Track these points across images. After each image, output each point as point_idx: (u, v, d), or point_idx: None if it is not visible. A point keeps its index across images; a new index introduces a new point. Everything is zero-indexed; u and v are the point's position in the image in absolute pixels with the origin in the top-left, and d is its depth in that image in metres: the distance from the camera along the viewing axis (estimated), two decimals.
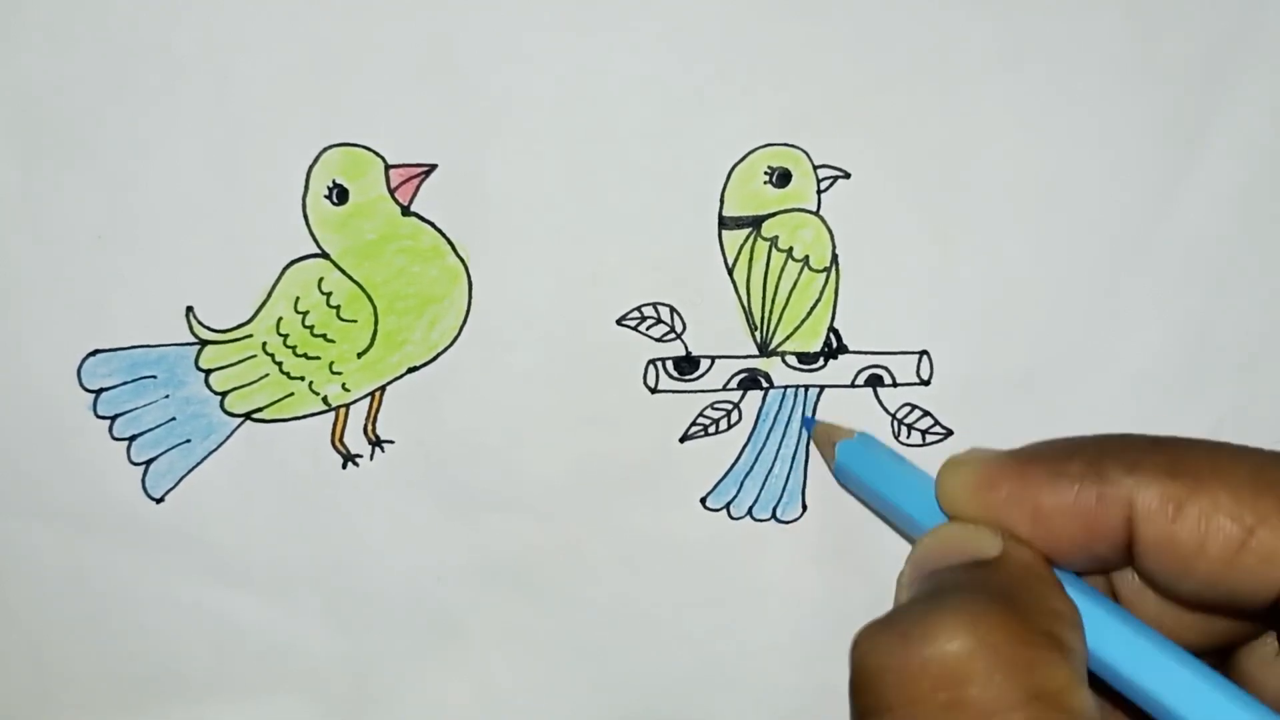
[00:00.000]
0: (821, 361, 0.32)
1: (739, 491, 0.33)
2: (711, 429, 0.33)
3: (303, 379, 0.31)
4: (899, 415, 0.33)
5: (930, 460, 0.33)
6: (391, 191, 0.31)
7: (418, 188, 0.31)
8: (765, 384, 0.33)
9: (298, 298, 0.31)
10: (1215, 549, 0.20)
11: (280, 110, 0.30)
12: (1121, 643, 0.21)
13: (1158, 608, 0.24)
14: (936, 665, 0.19)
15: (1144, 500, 0.21)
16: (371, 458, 0.32)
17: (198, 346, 0.31)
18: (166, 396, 0.31)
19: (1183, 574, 0.21)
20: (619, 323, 0.32)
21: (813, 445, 0.33)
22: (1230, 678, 0.25)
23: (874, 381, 0.33)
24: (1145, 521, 0.21)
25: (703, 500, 0.33)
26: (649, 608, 0.34)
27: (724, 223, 0.32)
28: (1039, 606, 0.21)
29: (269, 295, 0.31)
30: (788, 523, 0.33)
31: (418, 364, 0.32)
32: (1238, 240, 0.32)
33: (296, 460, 0.32)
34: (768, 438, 0.33)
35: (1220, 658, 0.25)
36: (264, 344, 0.31)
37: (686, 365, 0.32)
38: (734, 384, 0.32)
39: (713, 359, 0.32)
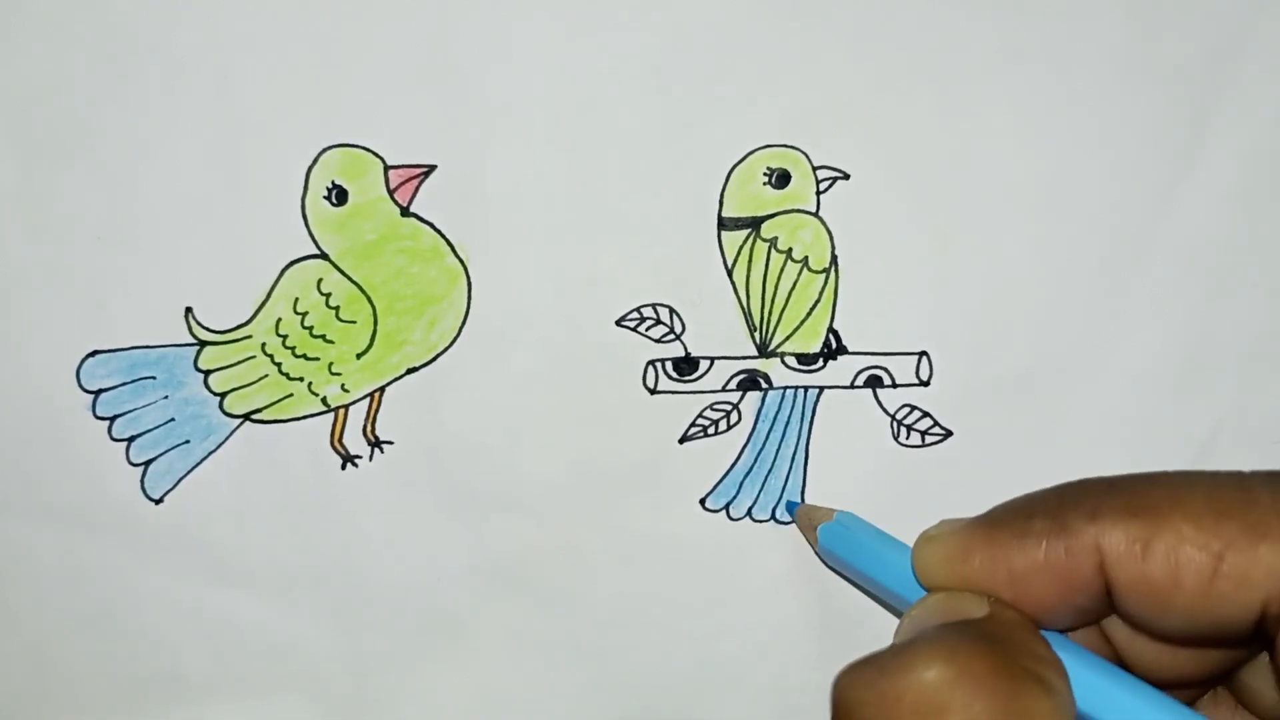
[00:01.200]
0: (821, 362, 0.32)
1: (738, 492, 0.33)
2: (711, 430, 0.33)
3: (302, 380, 0.31)
4: (898, 416, 0.33)
5: (929, 461, 0.33)
6: (391, 192, 0.31)
7: (417, 188, 0.31)
8: (765, 385, 0.33)
9: (297, 298, 0.31)
10: (1189, 581, 0.20)
11: (279, 110, 0.30)
12: (1112, 701, 0.21)
13: (1153, 650, 0.24)
14: (914, 693, 0.19)
15: (1111, 545, 0.21)
16: (371, 458, 0.32)
17: (197, 347, 0.31)
18: (165, 397, 0.31)
19: (1163, 611, 0.21)
20: (618, 323, 0.32)
21: (813, 446, 0.33)
22: (1237, 697, 0.25)
23: (873, 382, 0.33)
24: (1116, 566, 0.21)
25: (702, 501, 0.33)
26: (649, 608, 0.34)
27: (723, 224, 0.32)
28: (1024, 649, 0.21)
29: (268, 296, 0.31)
30: (787, 524, 0.33)
31: (417, 365, 0.32)
32: (1237, 240, 0.32)
33: (296, 461, 0.32)
34: (767, 438, 0.33)
35: (1225, 680, 0.25)
36: (263, 345, 0.31)
37: (686, 366, 0.32)
38: (733, 385, 0.32)
39: (712, 360, 0.32)
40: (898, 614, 0.27)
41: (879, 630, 0.35)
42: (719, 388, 0.32)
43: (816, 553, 0.32)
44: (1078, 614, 0.23)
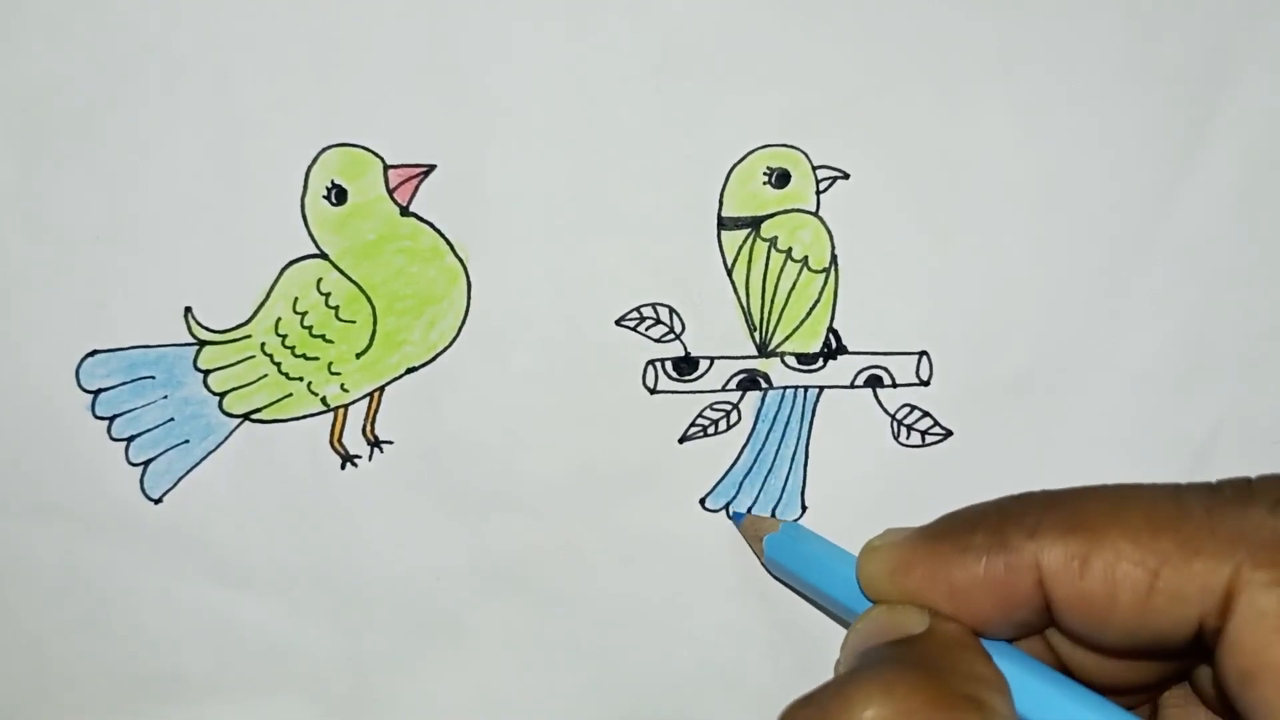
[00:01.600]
0: (821, 362, 0.32)
1: (738, 492, 0.33)
2: (711, 430, 0.33)
3: (301, 379, 0.31)
4: (898, 416, 0.33)
5: (930, 461, 0.33)
6: (390, 192, 0.31)
7: (416, 188, 0.31)
8: (764, 384, 0.32)
9: (296, 298, 0.31)
10: (1125, 597, 0.20)
11: (279, 110, 0.30)
12: (1057, 710, 0.21)
13: (1095, 660, 0.24)
14: None
15: (1050, 561, 0.21)
16: (370, 458, 0.32)
17: (196, 347, 0.31)
18: (165, 397, 0.31)
19: (1101, 626, 0.21)
20: (618, 323, 0.32)
21: (813, 446, 0.33)
22: (1195, 692, 0.25)
23: (873, 382, 0.33)
24: (1055, 582, 0.21)
25: (702, 501, 0.33)
26: (649, 608, 0.34)
27: (723, 223, 0.32)
28: (960, 672, 0.21)
29: (268, 295, 0.31)
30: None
31: (417, 364, 0.32)
32: (1237, 240, 0.32)
33: (295, 461, 0.32)
34: (767, 438, 0.33)
35: (1178, 681, 0.25)
36: (263, 344, 0.31)
37: (686, 366, 0.32)
38: (733, 384, 0.32)
39: (712, 359, 0.32)
40: (845, 625, 0.27)
41: None
42: (719, 387, 0.32)
43: (763, 564, 0.32)
44: (1019, 626, 0.23)
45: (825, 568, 0.29)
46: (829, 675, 0.22)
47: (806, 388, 0.33)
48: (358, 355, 0.31)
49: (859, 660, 0.23)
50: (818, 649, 0.34)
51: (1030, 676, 0.22)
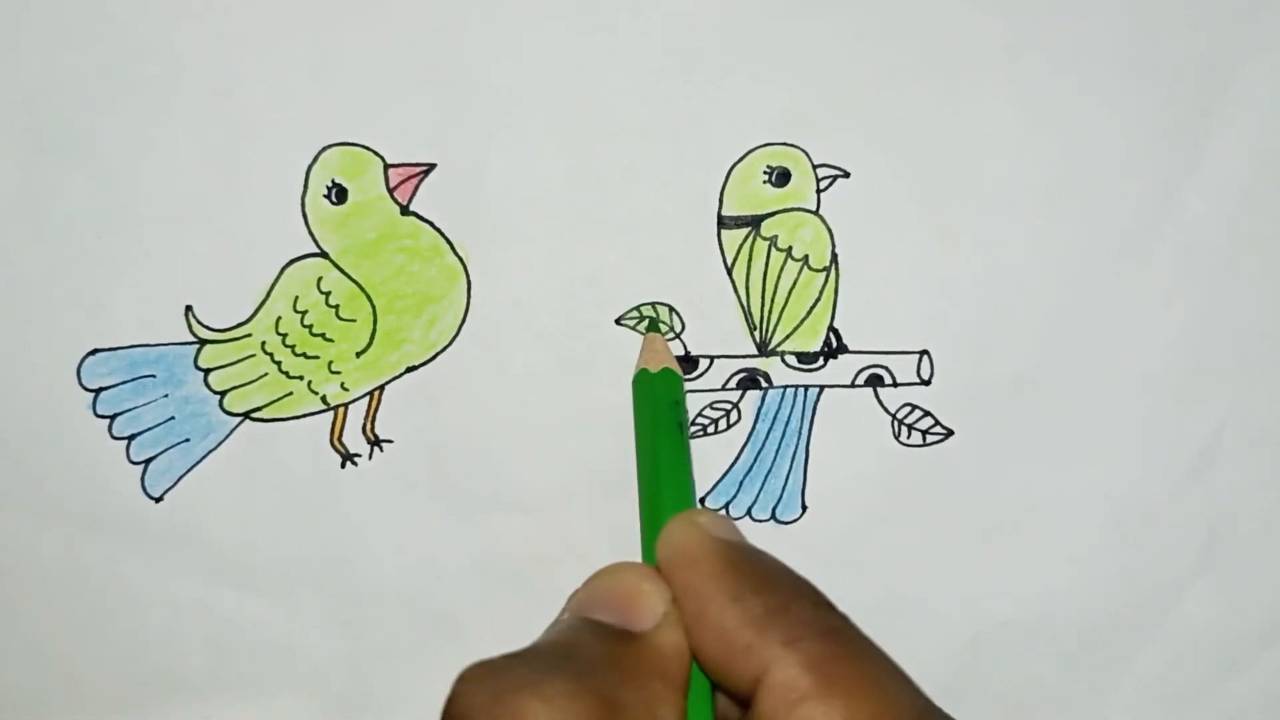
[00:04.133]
0: (821, 361, 0.32)
1: (738, 492, 0.33)
2: (710, 429, 0.33)
3: (301, 378, 0.31)
4: (899, 415, 0.33)
5: (931, 461, 0.33)
6: (390, 191, 0.31)
7: (416, 187, 0.31)
8: (765, 384, 0.32)
9: (297, 297, 0.31)
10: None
11: (279, 109, 0.30)
12: None
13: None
14: None
15: (775, 677, 0.20)
16: (370, 457, 0.32)
17: (197, 346, 0.31)
18: (166, 396, 0.31)
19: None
20: (618, 322, 0.32)
21: (813, 445, 0.33)
22: None
23: (874, 381, 0.32)
24: (766, 694, 0.20)
25: (702, 501, 0.33)
26: None
27: (723, 222, 0.31)
28: (641, 709, 0.20)
29: (268, 294, 0.31)
30: (787, 523, 0.33)
31: (416, 363, 0.32)
32: (1240, 240, 0.32)
33: (295, 460, 0.32)
34: (767, 438, 0.33)
35: None
36: (263, 343, 0.31)
37: (685, 365, 0.32)
38: (733, 384, 0.32)
39: (712, 359, 0.32)
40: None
41: (878, 634, 0.34)
42: (719, 386, 0.32)
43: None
44: (728, 689, 0.22)
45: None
46: None
47: (807, 387, 0.32)
48: (358, 354, 0.31)
49: (573, 629, 0.22)
50: None
51: None
